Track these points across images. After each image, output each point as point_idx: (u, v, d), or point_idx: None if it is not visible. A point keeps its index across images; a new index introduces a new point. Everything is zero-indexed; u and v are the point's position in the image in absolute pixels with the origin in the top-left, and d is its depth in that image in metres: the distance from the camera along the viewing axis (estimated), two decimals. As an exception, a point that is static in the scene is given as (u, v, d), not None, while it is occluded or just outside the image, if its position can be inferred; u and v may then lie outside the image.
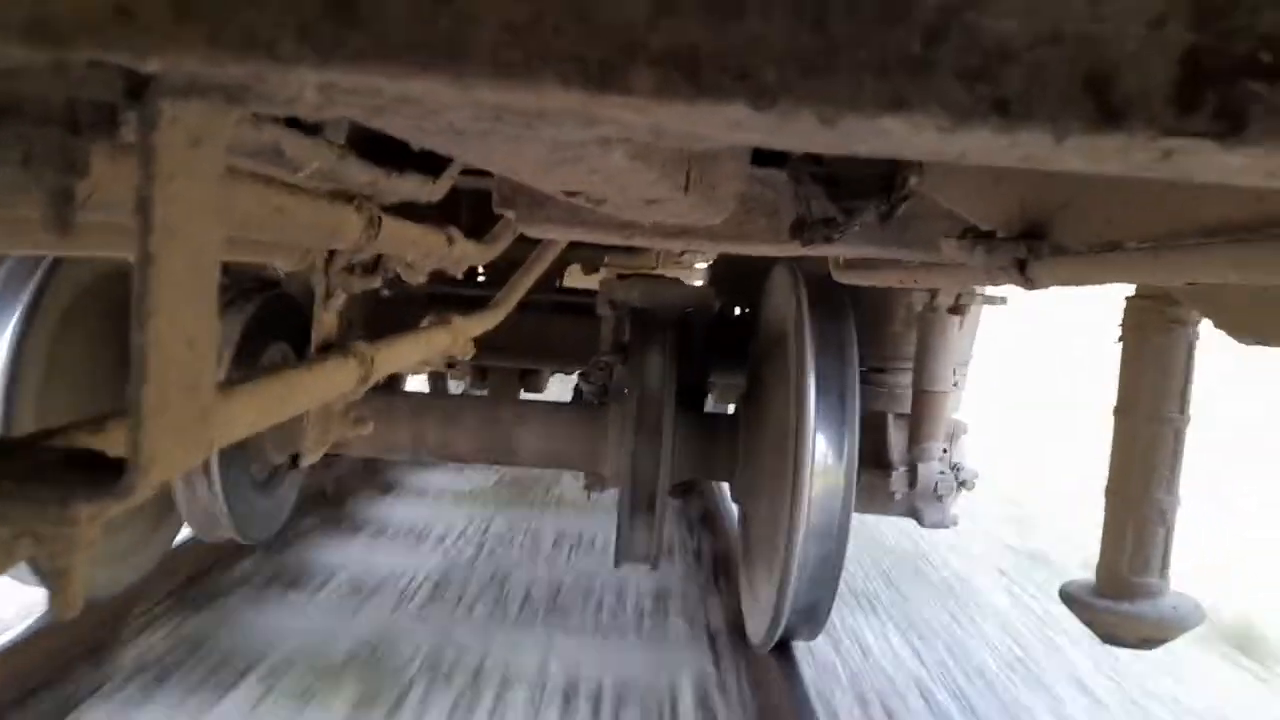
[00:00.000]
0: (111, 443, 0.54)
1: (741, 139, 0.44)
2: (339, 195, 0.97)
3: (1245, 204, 0.74)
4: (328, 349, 1.02)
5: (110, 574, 2.35)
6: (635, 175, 0.65)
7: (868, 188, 0.81)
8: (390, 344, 1.16)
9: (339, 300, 1.03)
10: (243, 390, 0.75)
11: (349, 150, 0.77)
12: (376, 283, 1.04)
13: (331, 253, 1.02)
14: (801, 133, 0.41)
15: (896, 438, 2.49)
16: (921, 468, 2.38)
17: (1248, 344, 0.98)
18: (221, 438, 0.72)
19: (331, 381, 0.96)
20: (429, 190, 1.06)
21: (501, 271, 2.48)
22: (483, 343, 2.58)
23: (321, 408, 1.03)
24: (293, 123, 0.67)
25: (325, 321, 1.01)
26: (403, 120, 0.49)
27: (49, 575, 0.45)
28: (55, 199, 0.45)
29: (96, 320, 2.23)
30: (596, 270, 3.61)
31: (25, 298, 2.07)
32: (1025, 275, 0.97)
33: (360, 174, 0.83)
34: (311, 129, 0.70)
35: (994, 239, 0.99)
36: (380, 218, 1.02)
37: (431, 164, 1.12)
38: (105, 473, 0.45)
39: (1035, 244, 0.96)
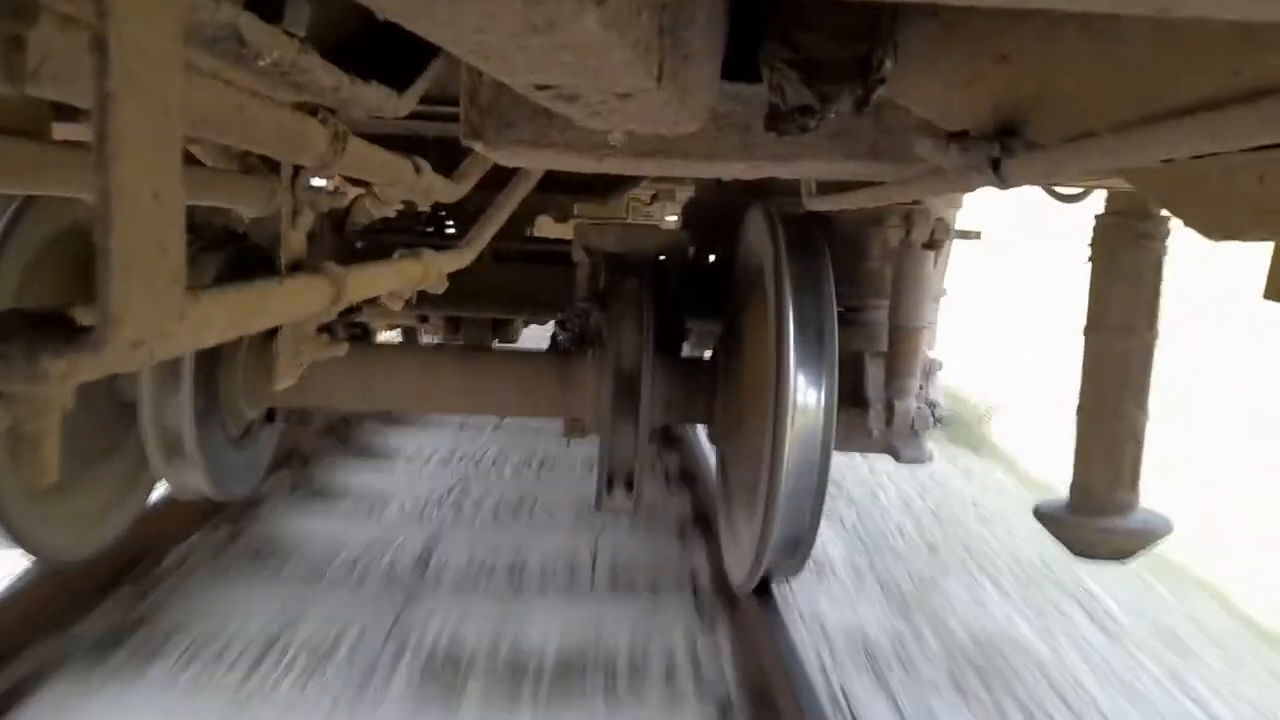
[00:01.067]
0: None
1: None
2: (303, 107, 0.95)
3: (1221, 78, 0.74)
4: (298, 269, 1.00)
5: (83, 534, 2.32)
6: (609, 52, 0.64)
7: (843, 72, 0.81)
8: (362, 268, 1.15)
9: (307, 219, 1.01)
10: (215, 294, 0.73)
11: (310, 47, 0.75)
12: (342, 202, 1.02)
13: (297, 170, 1.00)
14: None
15: (874, 375, 2.51)
16: (898, 405, 2.40)
17: (1217, 240, 0.98)
18: (196, 340, 0.71)
19: (303, 298, 0.94)
20: (395, 104, 1.03)
21: (471, 220, 2.45)
22: (454, 293, 2.55)
23: (293, 329, 1.02)
24: (250, 8, 0.65)
25: (294, 240, 0.99)
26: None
27: (23, 441, 0.44)
28: (6, 46, 0.44)
29: (61, 277, 2.18)
30: (567, 219, 3.58)
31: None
32: (999, 173, 0.97)
33: (323, 75, 0.80)
34: (271, 17, 0.68)
35: (968, 138, 0.98)
36: (346, 133, 1.00)
37: (399, 80, 1.10)
38: (76, 333, 0.44)
39: (1009, 141, 0.96)
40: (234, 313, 0.78)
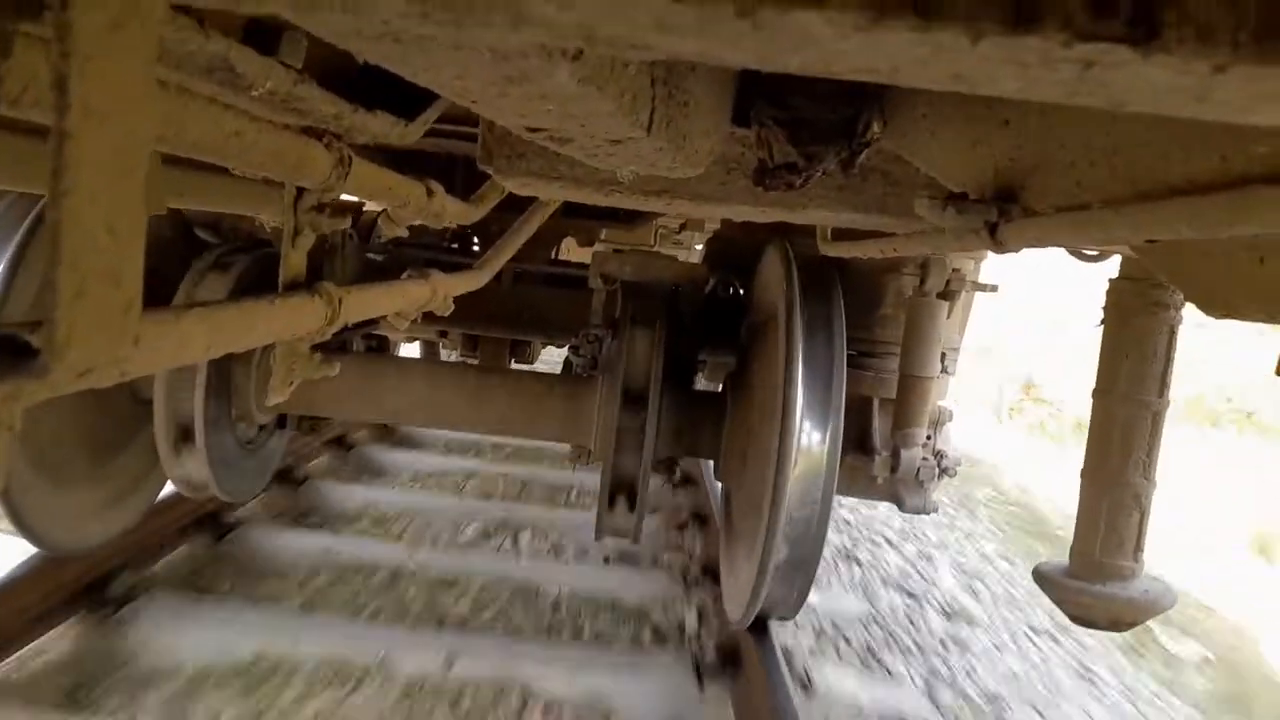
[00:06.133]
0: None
1: (670, 45, 0.44)
2: (308, 131, 0.97)
3: (1210, 164, 0.74)
4: (295, 288, 1.01)
5: (87, 528, 2.35)
6: (589, 104, 0.65)
7: (830, 133, 0.81)
8: (362, 289, 1.16)
9: (308, 240, 1.03)
10: (197, 313, 0.75)
11: (307, 76, 0.76)
12: (345, 224, 1.04)
13: (300, 191, 1.02)
14: (723, 32, 0.40)
15: (881, 422, 2.49)
16: (904, 453, 2.38)
17: (1217, 317, 0.97)
18: (173, 359, 0.72)
19: (295, 318, 0.96)
20: (401, 132, 1.05)
21: (494, 239, 2.47)
22: (474, 311, 2.56)
23: (286, 347, 1.03)
24: (248, 41, 0.66)
25: (292, 260, 1.01)
26: (335, 19, 0.48)
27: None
28: (-21, 78, 0.45)
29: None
30: (592, 244, 3.60)
31: (19, 236, 2.05)
32: (995, 237, 0.97)
33: (323, 103, 0.82)
34: (266, 49, 0.69)
35: (966, 200, 0.98)
36: (350, 157, 1.02)
37: (408, 109, 1.12)
38: (24, 358, 0.45)
39: (1006, 206, 0.95)
40: (217, 332, 0.79)
